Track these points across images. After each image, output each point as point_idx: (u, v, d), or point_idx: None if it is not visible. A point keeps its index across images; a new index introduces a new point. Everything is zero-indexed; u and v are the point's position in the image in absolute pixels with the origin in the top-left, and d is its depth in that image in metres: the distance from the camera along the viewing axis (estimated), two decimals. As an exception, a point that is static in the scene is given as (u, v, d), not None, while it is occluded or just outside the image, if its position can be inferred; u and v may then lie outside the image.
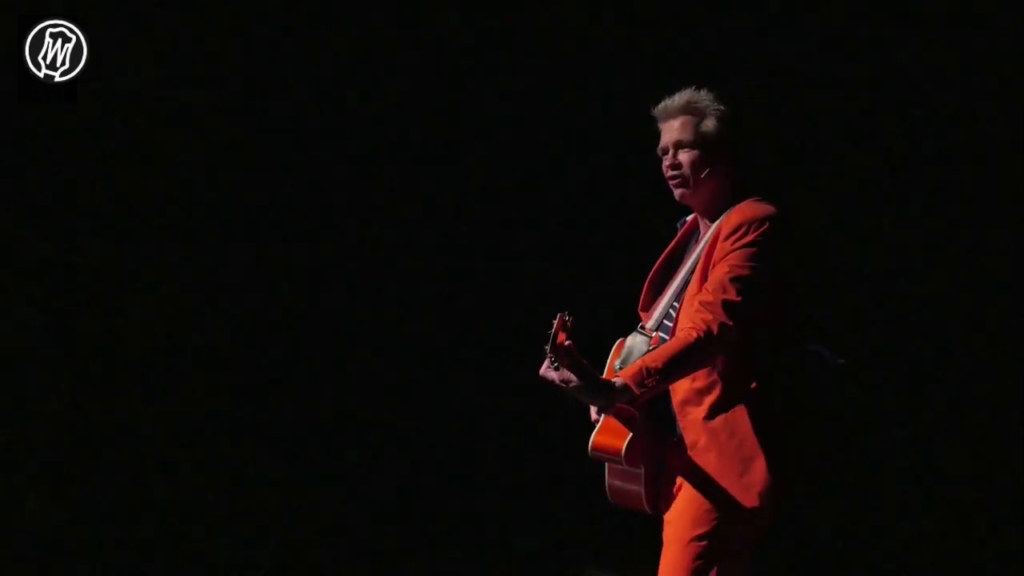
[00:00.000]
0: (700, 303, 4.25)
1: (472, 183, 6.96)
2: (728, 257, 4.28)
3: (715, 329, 4.20)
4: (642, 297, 4.59)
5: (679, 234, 4.62)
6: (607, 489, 4.49)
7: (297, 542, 6.87)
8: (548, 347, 4.07)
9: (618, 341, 4.55)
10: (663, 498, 4.49)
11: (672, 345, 4.23)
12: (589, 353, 4.23)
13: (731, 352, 4.29)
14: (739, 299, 4.23)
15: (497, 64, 6.91)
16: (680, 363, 4.21)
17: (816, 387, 4.44)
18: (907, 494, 6.53)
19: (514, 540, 6.92)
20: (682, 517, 4.38)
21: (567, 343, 4.10)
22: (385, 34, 6.93)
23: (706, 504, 4.34)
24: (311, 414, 6.95)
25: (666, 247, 4.63)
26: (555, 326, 4.09)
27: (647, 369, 4.17)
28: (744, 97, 4.58)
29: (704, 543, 4.32)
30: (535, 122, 6.88)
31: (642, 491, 4.43)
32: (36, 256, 6.78)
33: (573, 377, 4.14)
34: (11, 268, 6.77)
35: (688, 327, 4.24)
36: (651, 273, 4.58)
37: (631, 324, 4.57)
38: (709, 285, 4.27)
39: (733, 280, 4.24)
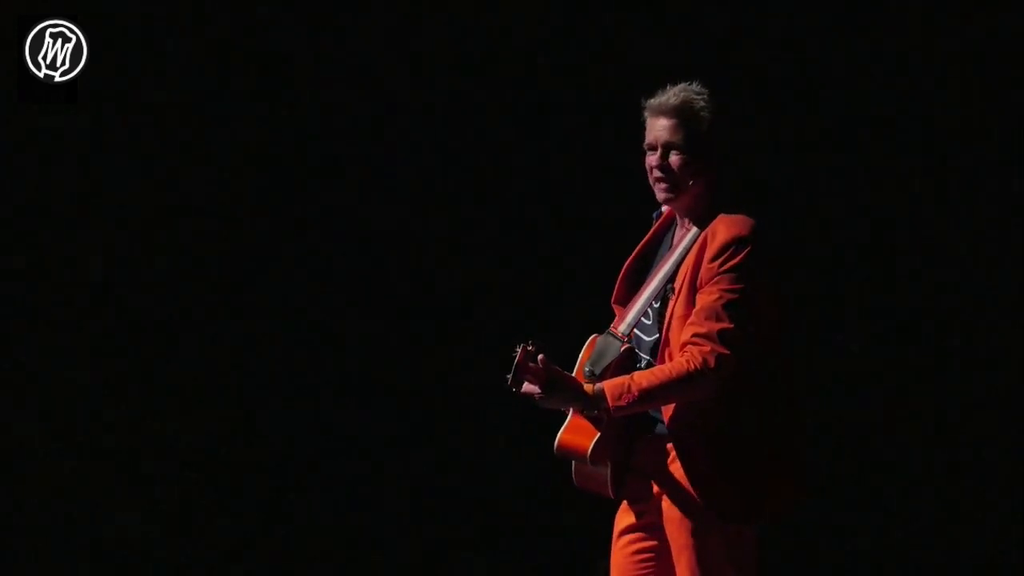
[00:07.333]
0: (695, 335, 4.22)
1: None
2: (717, 281, 4.24)
3: (712, 362, 4.19)
4: (616, 290, 4.55)
5: (655, 227, 4.57)
6: (573, 474, 4.49)
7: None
8: (510, 377, 4.19)
9: (591, 337, 4.50)
10: (627, 486, 4.47)
11: (665, 373, 4.22)
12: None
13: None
14: (733, 325, 4.20)
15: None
16: (668, 393, 4.23)
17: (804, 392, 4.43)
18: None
19: (526, 532, 6.95)
20: (672, 525, 4.37)
21: (530, 364, 4.19)
22: (385, 36, 6.94)
23: (695, 513, 4.32)
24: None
25: (642, 238, 4.58)
26: (518, 356, 4.19)
27: (631, 387, 4.21)
28: (731, 99, 4.53)
29: (700, 553, 4.32)
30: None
31: (608, 480, 4.42)
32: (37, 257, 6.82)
33: (536, 389, 4.22)
34: (11, 267, 6.81)
35: (684, 359, 4.22)
36: (625, 266, 4.54)
37: (605, 317, 4.55)
38: (701, 313, 4.24)
39: (726, 306, 4.21)
